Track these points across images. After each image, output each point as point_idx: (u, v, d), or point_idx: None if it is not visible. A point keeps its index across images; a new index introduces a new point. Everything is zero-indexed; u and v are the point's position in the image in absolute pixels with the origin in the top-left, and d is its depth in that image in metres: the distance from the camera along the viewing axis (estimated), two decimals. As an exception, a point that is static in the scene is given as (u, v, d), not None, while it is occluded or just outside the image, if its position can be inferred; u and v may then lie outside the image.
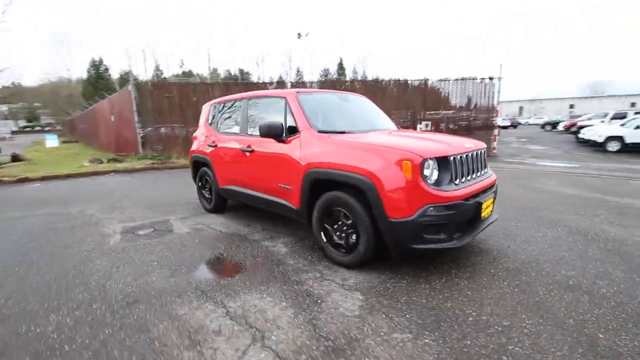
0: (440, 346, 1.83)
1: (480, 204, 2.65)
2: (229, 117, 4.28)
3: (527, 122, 41.46)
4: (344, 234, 2.82)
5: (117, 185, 7.30)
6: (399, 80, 11.97)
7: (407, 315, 2.12)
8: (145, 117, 11.21)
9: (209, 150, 4.42)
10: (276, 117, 3.51)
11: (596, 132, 13.14)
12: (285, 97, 3.39)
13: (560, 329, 1.96)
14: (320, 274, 2.75)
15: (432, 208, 2.40)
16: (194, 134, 5.02)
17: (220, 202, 4.58)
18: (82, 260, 3.16)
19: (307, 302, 2.31)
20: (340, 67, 48.11)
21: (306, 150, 3.01)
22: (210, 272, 2.89)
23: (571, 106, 47.21)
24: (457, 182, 2.59)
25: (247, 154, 3.70)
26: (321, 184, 2.92)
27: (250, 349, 1.84)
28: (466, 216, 2.57)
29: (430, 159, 2.45)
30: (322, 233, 2.99)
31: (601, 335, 1.88)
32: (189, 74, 49.30)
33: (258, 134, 3.64)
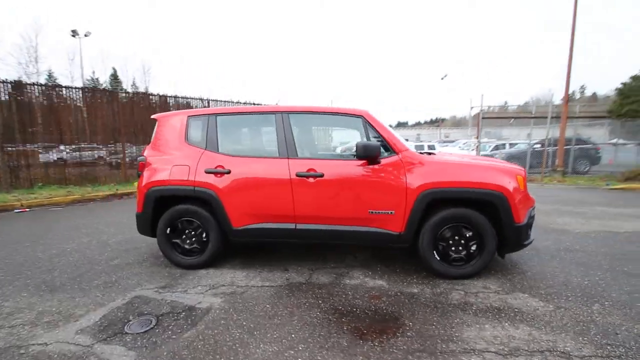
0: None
1: None
2: (250, 135, 3.25)
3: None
4: (460, 247, 3.00)
5: None
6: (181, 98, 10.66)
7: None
8: None
9: (212, 180, 3.11)
10: (345, 135, 3.14)
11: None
12: (362, 115, 3.11)
13: None
14: (463, 292, 2.78)
15: (532, 210, 3.10)
16: (148, 159, 3.32)
17: (222, 249, 3.31)
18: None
19: (518, 317, 2.36)
20: (115, 78, 40.32)
21: (416, 171, 2.95)
22: (374, 333, 2.22)
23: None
24: (522, 189, 3.43)
25: (310, 179, 3.02)
26: (432, 204, 2.96)
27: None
28: None
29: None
30: (434, 252, 3.00)
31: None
32: None
33: (322, 155, 3.15)
